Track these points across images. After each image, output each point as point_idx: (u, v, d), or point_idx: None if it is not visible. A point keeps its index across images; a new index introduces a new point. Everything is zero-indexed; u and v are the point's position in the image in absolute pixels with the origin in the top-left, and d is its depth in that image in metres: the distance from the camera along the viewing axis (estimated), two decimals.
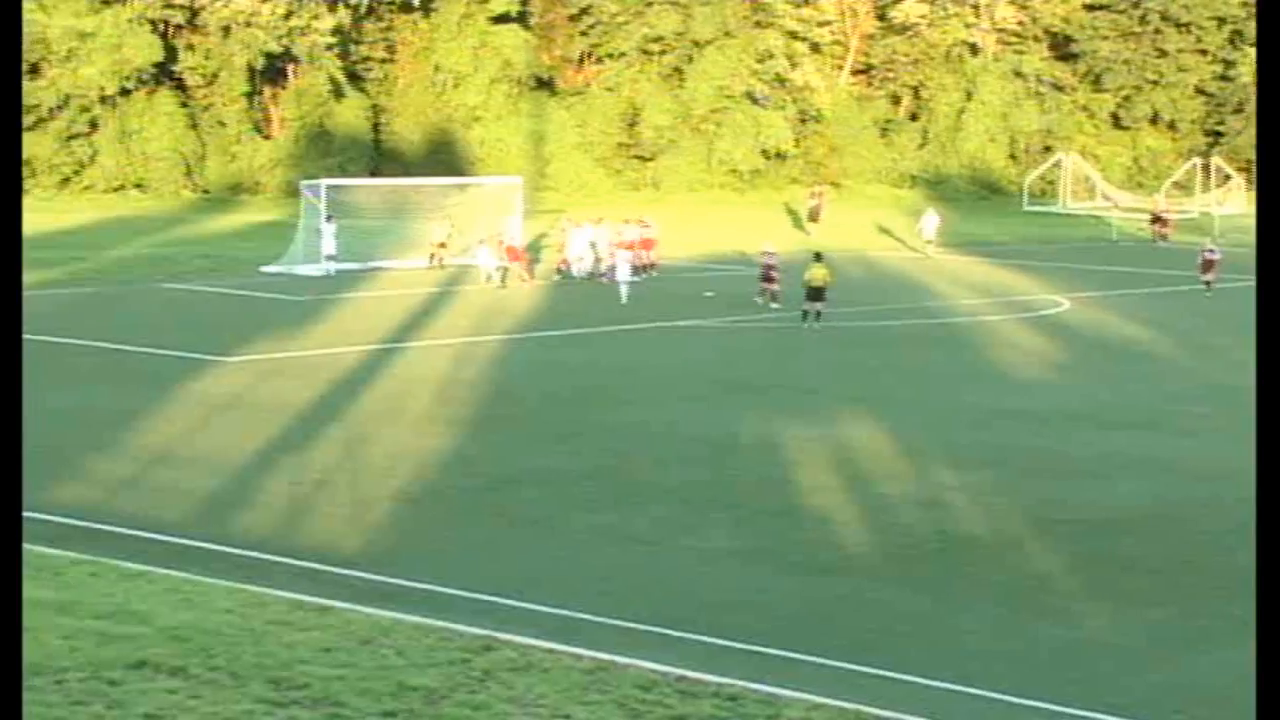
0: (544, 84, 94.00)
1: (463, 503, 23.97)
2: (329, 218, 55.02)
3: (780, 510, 23.72)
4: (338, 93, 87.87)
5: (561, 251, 56.83)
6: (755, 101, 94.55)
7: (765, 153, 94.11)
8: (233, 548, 20.91)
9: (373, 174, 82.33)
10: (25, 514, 22.25)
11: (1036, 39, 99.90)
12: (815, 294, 44.75)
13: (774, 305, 46.90)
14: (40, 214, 74.59)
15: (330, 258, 54.49)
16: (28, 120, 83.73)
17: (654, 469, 26.39)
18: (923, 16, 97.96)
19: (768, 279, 47.90)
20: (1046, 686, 16.37)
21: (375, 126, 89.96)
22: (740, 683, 15.87)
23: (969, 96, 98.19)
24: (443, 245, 56.57)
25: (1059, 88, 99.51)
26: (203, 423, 29.36)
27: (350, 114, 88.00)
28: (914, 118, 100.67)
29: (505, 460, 26.84)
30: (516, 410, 31.52)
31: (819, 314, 44.44)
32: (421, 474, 25.59)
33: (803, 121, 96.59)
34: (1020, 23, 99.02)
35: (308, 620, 17.28)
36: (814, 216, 73.62)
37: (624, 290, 48.61)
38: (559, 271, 55.03)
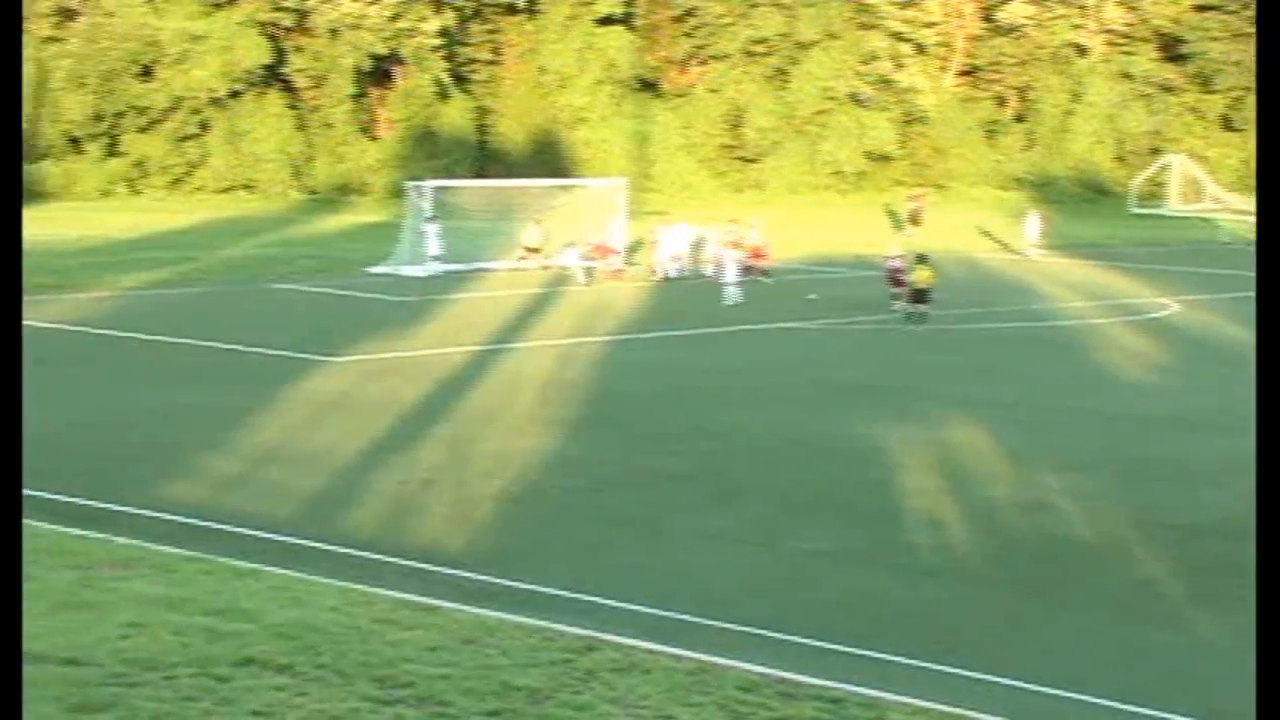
0: (648, 85, 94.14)
1: (565, 503, 24.06)
2: (432, 218, 55.37)
3: (883, 512, 23.64)
4: (443, 94, 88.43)
5: (652, 252, 56.67)
6: (859, 103, 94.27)
7: (869, 154, 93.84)
8: (340, 546, 21.09)
9: (478, 175, 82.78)
10: (137, 511, 22.61)
11: (1145, 40, 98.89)
12: (919, 296, 44.56)
13: (899, 307, 46.30)
14: (152, 214, 75.65)
15: (435, 258, 54.85)
16: (141, 122, 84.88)
17: (755, 470, 26.38)
18: (1030, 18, 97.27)
19: (896, 282, 47.26)
20: (1151, 692, 16.24)
21: (480, 128, 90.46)
22: (842, 685, 15.83)
23: (1076, 98, 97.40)
24: (536, 250, 56.65)
25: (1168, 89, 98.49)
26: (311, 422, 29.63)
27: (456, 115, 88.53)
28: (1020, 119, 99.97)
29: (607, 461, 26.91)
30: (618, 411, 31.58)
31: (923, 316, 44.23)
32: (525, 474, 25.70)
33: (907, 123, 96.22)
34: (1129, 23, 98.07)
35: (413, 619, 17.41)
36: (915, 219, 73.24)
37: (729, 292, 48.58)
38: (653, 273, 54.98)
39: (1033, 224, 66.33)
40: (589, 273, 52.92)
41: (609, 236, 55.82)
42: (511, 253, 57.18)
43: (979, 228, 74.58)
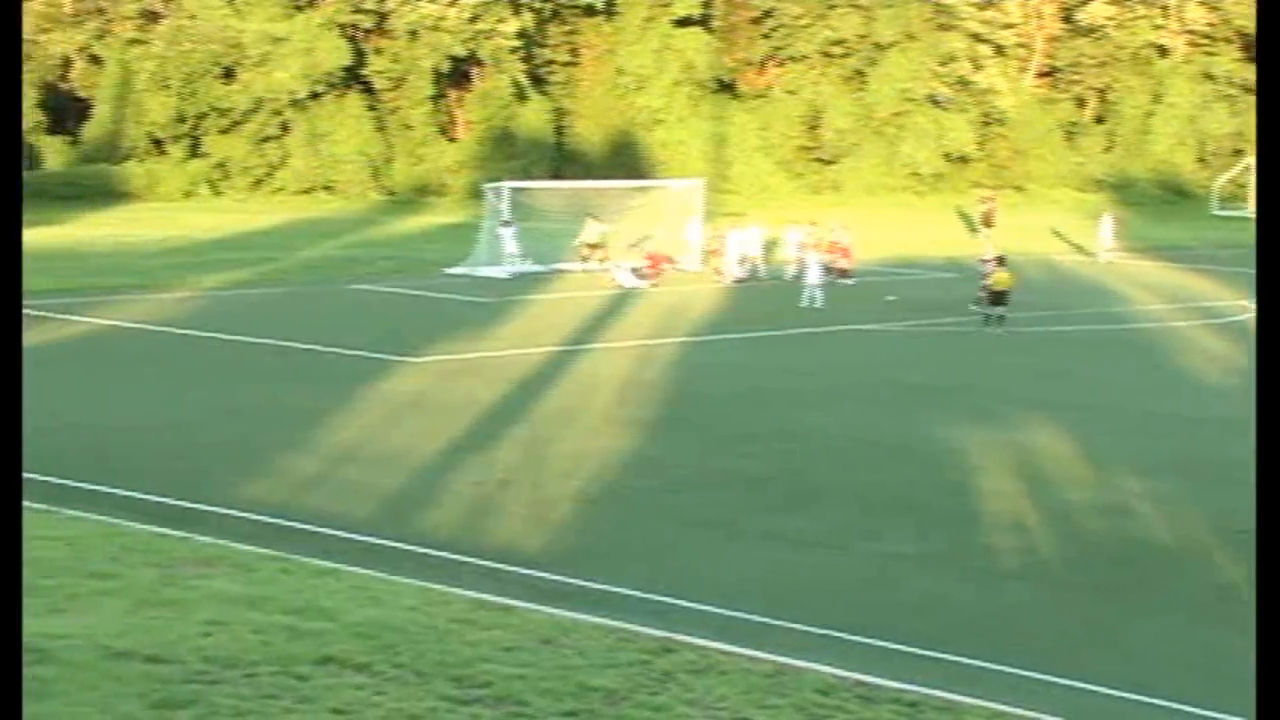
0: (726, 86, 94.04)
1: (642, 504, 24.09)
2: (507, 223, 55.35)
3: (961, 515, 23.55)
4: (521, 95, 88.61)
5: (717, 255, 56.40)
6: (938, 104, 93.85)
7: (947, 156, 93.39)
8: (418, 546, 21.19)
9: (555, 176, 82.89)
10: (218, 510, 22.81)
11: (1227, 40, 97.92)
12: (997, 298, 44.34)
13: (978, 309, 45.84)
14: (234, 215, 76.24)
15: (514, 257, 54.94)
16: (223, 123, 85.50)
17: (833, 472, 26.33)
18: (1110, 18, 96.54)
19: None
20: (1231, 698, 16.10)
21: (558, 129, 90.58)
22: (920, 689, 15.79)
23: (1157, 99, 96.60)
24: (595, 246, 56.56)
25: (1250, 90, 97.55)
26: (389, 422, 29.79)
27: (533, 116, 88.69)
28: (1100, 121, 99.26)
29: (683, 462, 26.93)
30: (695, 412, 31.59)
31: (1001, 318, 44.03)
32: (601, 475, 25.75)
33: (986, 124, 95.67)
34: (1210, 24, 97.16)
35: (490, 619, 17.48)
36: (987, 221, 72.71)
37: (809, 294, 48.39)
38: (719, 275, 54.76)
39: (1106, 227, 65.68)
40: (638, 280, 52.77)
41: (663, 244, 55.67)
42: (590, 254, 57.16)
43: (1053, 229, 74.01)
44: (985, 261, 47.63)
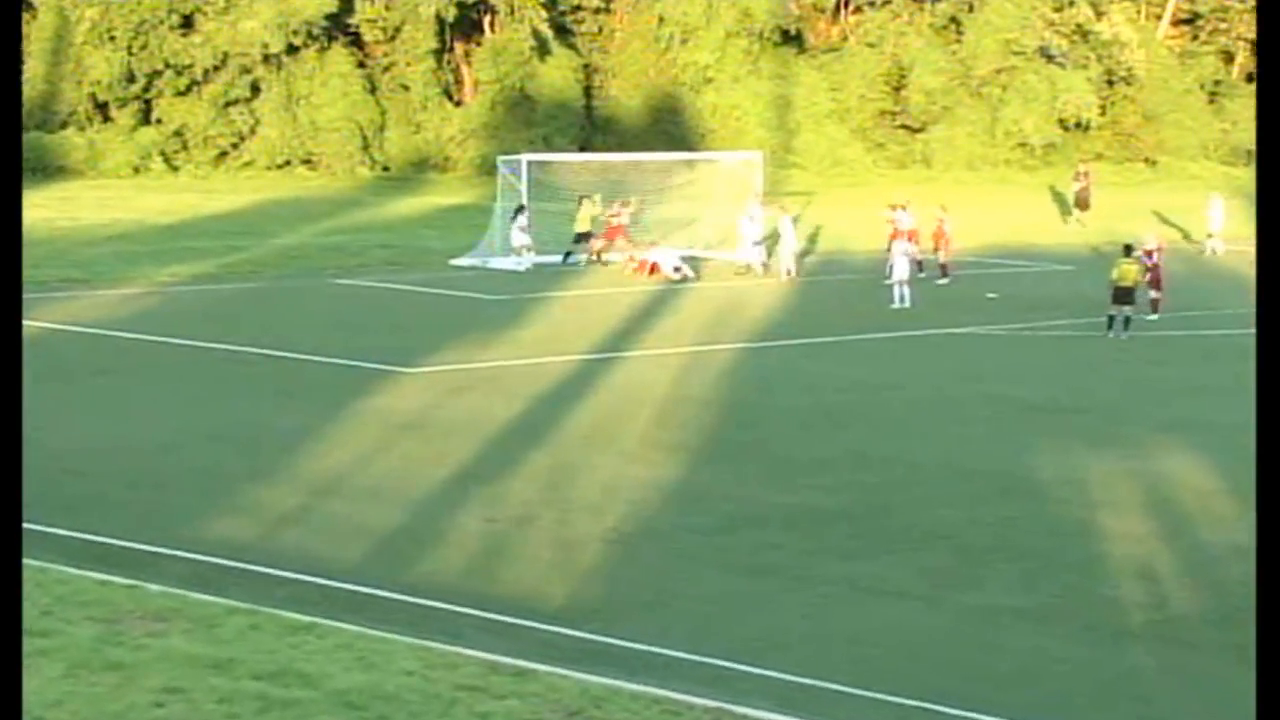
0: (790, 39, 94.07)
1: (689, 546, 24.08)
2: (519, 210, 55.14)
3: (1078, 561, 23.50)
4: (543, 49, 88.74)
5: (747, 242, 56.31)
6: (1051, 59, 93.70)
7: (1063, 122, 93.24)
8: (416, 597, 21.22)
9: (583, 148, 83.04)
10: (176, 552, 22.88)
11: None
12: (1123, 295, 44.22)
13: (1151, 317, 45.61)
14: (193, 195, 76.55)
15: (526, 249, 54.82)
16: (181, 84, 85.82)
17: (922, 508, 26.29)
18: None
19: (1156, 282, 46.29)
20: None
21: (587, 90, 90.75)
22: None
23: None
24: (585, 236, 56.32)
25: None
26: (382, 445, 29.84)
27: (557, 75, 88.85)
28: (1251, 79, 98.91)
29: (740, 495, 26.92)
30: (754, 435, 31.58)
31: (1127, 320, 43.93)
32: (640, 511, 25.75)
33: (1110, 84, 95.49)
34: None
35: (505, 686, 17.50)
36: (1081, 203, 72.30)
37: (897, 291, 48.24)
38: (765, 269, 54.60)
39: (1216, 209, 64.43)
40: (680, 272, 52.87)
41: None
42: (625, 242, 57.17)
43: (1154, 212, 73.48)
44: (1148, 251, 47.34)
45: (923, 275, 51.70)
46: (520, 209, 55.46)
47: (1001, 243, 63.55)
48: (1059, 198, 78.69)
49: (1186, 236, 67.79)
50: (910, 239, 52.29)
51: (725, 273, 54.73)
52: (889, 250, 51.26)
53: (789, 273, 53.56)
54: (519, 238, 55.09)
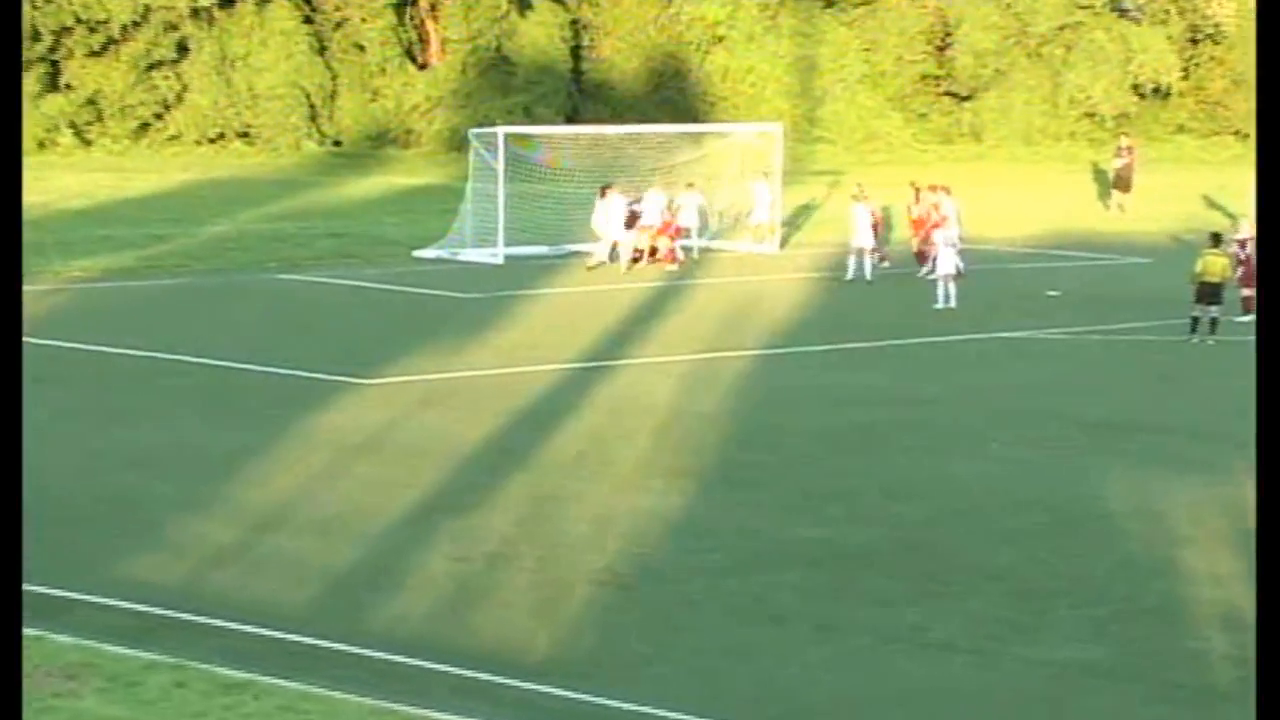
0: None
1: (695, 590, 24.08)
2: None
3: (1156, 607, 23.52)
4: (523, 3, 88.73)
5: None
6: (1123, 14, 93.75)
7: (1138, 88, 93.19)
8: (373, 649, 21.21)
9: (570, 119, 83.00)
10: (89, 597, 22.87)
11: None
12: (1209, 293, 44.16)
13: (1242, 318, 45.50)
14: (109, 174, 76.41)
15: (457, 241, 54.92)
16: (94, 42, 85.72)
17: (972, 545, 26.31)
18: None
19: (1246, 278, 45.96)
20: None
21: (575, 51, 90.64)
22: None
23: None
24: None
25: None
26: (334, 470, 29.85)
27: (540, 33, 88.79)
28: None
29: (756, 529, 26.92)
30: (772, 458, 31.58)
31: (1214, 322, 43.88)
32: (636, 547, 25.75)
33: (1194, 42, 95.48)
34: None
35: None
36: (1122, 183, 71.78)
37: (941, 289, 48.13)
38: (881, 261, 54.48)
39: None
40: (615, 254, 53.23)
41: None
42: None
43: (1203, 195, 73.41)
44: (1240, 241, 47.27)
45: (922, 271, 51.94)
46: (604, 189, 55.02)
47: (1064, 230, 63.53)
48: (1100, 176, 78.24)
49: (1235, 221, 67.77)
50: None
51: (732, 266, 54.73)
52: (929, 240, 51.27)
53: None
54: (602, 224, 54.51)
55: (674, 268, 54.08)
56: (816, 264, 55.05)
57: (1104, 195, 73.94)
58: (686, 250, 55.68)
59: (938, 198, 54.34)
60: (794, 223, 62.42)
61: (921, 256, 53.23)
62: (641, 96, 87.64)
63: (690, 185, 57.32)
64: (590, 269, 53.44)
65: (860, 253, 51.91)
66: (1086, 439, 33.50)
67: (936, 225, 52.02)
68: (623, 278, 52.05)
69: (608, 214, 54.05)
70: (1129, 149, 74.12)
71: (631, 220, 54.29)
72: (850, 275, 51.71)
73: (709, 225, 57.23)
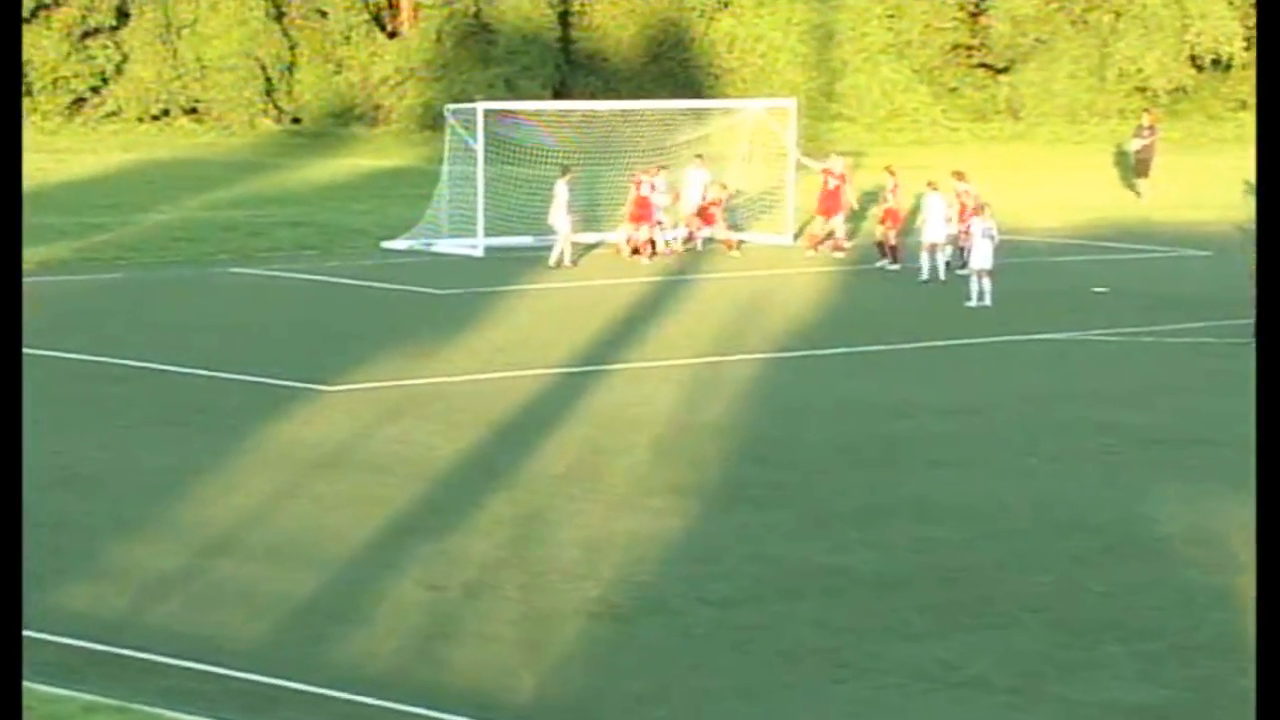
0: None
1: (700, 622, 24.11)
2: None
3: (1213, 642, 23.57)
4: None
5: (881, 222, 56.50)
6: None
7: (1195, 60, 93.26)
8: (337, 689, 21.24)
9: (558, 93, 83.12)
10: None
11: None
12: None
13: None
14: (40, 155, 76.25)
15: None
16: (23, 8, 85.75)
17: (1009, 573, 26.35)
18: None
19: None
20: None
21: (563, 18, 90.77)
22: None
23: None
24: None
25: None
26: (292, 488, 29.87)
27: None
28: None
29: (769, 555, 26.96)
30: (786, 475, 31.62)
31: None
32: (634, 575, 25.79)
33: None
34: None
35: None
36: (1141, 167, 71.55)
37: (975, 285, 48.11)
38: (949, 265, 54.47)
39: None
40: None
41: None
42: (613, 219, 57.21)
43: (1245, 181, 73.46)
44: None
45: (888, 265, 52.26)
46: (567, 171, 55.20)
47: (1112, 219, 63.61)
48: (1122, 158, 77.94)
49: None
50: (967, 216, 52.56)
51: (742, 258, 54.80)
52: (966, 229, 51.28)
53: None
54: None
55: (736, 253, 54.84)
56: (833, 257, 55.10)
57: (1128, 180, 73.36)
58: (688, 239, 55.91)
59: (966, 186, 54.48)
60: (809, 209, 62.44)
61: (883, 247, 53.66)
62: (638, 68, 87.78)
63: (699, 157, 57.64)
64: (552, 268, 53.43)
65: (933, 249, 51.85)
66: (1137, 453, 33.56)
67: (975, 213, 52.08)
68: (621, 274, 52.08)
69: (562, 204, 54.13)
70: (1150, 128, 73.74)
71: (645, 208, 54.56)
72: (924, 276, 51.59)
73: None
